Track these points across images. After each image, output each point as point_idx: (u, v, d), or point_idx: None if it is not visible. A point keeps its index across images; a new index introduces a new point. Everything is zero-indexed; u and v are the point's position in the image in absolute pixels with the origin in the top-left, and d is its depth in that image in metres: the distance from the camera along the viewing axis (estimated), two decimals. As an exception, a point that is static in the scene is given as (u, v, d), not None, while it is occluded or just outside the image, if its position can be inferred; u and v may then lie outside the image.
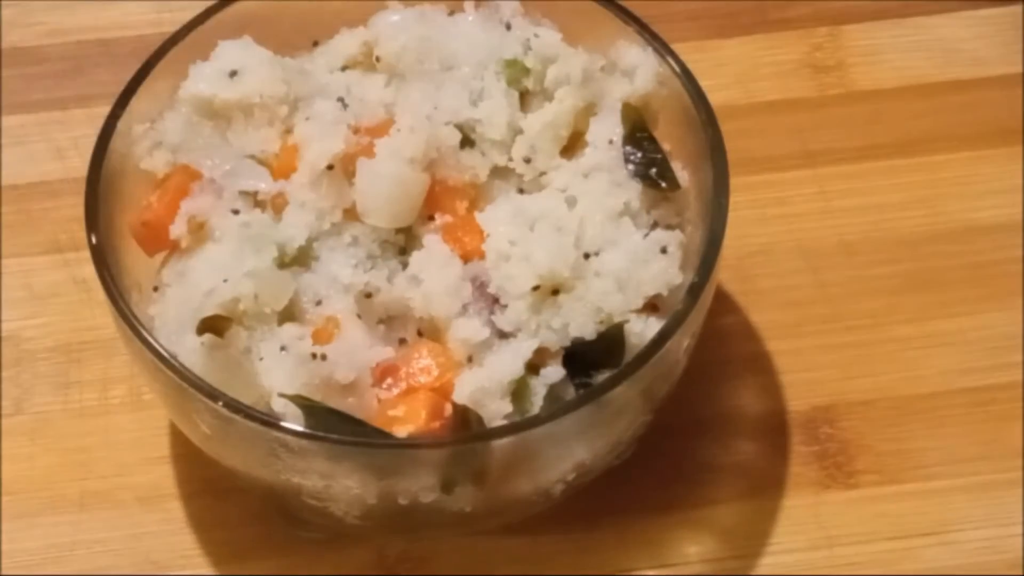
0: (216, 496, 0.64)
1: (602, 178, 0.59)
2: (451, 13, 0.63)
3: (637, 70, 0.61)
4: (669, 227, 0.60)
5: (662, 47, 0.61)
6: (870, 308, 0.70)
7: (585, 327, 0.57)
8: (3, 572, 0.63)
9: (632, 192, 0.59)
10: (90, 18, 0.78)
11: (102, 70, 0.75)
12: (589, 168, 0.60)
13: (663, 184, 0.60)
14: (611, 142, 0.60)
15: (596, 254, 0.58)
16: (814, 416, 0.67)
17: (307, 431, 0.54)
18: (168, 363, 0.54)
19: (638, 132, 0.61)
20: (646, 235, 0.59)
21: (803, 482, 0.65)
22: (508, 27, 0.62)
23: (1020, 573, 0.63)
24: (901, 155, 0.74)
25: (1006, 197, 0.73)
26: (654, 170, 0.60)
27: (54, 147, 0.74)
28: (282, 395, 0.54)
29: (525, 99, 0.62)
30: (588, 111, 0.61)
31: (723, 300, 0.69)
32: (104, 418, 0.67)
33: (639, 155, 0.60)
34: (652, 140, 0.61)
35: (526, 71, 0.61)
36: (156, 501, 0.65)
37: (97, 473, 0.66)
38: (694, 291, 0.56)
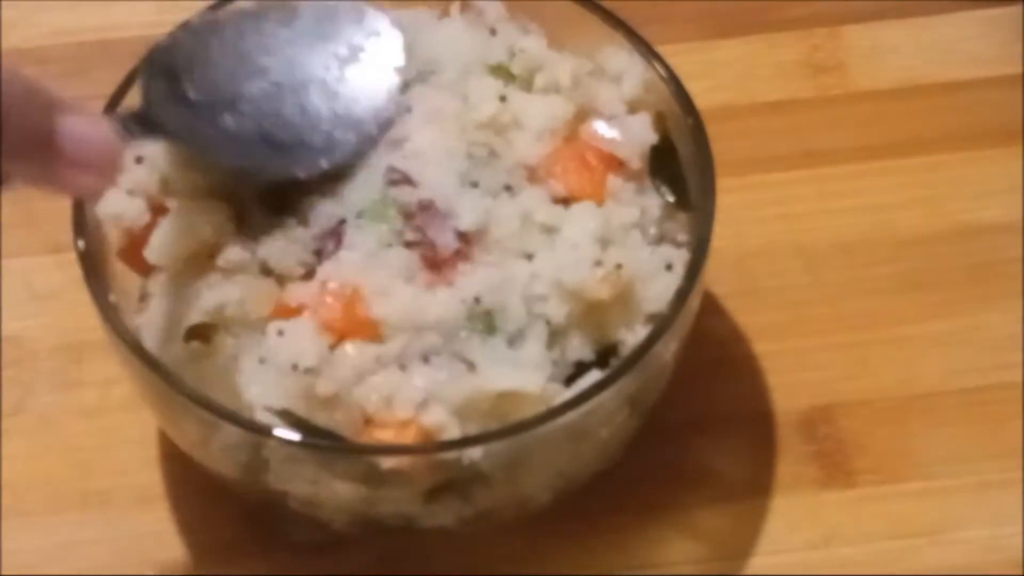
0: (217, 497, 0.64)
1: (626, 188, 0.59)
2: (440, 17, 0.63)
3: (624, 75, 0.61)
4: (675, 244, 0.59)
5: (648, 51, 0.61)
6: (870, 308, 0.70)
7: (583, 349, 0.57)
8: (3, 572, 0.63)
9: (650, 203, 0.59)
10: (90, 18, 0.78)
11: (102, 70, 0.75)
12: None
13: (674, 200, 0.59)
14: None
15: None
16: (813, 416, 0.67)
17: (293, 437, 0.53)
18: (156, 368, 0.54)
19: (664, 144, 0.60)
20: (652, 250, 0.58)
21: (802, 482, 0.65)
22: (493, 32, 0.62)
23: (1020, 573, 0.63)
24: (901, 155, 0.74)
25: (1006, 197, 0.73)
26: (671, 185, 0.60)
27: (54, 147, 0.74)
28: (268, 409, 0.54)
29: None
30: (580, 117, 0.60)
31: (722, 300, 0.69)
32: (104, 418, 0.67)
33: (660, 168, 0.60)
34: (674, 152, 0.60)
35: (512, 77, 0.61)
36: (156, 501, 0.65)
37: (97, 473, 0.66)
38: (681, 296, 0.56)
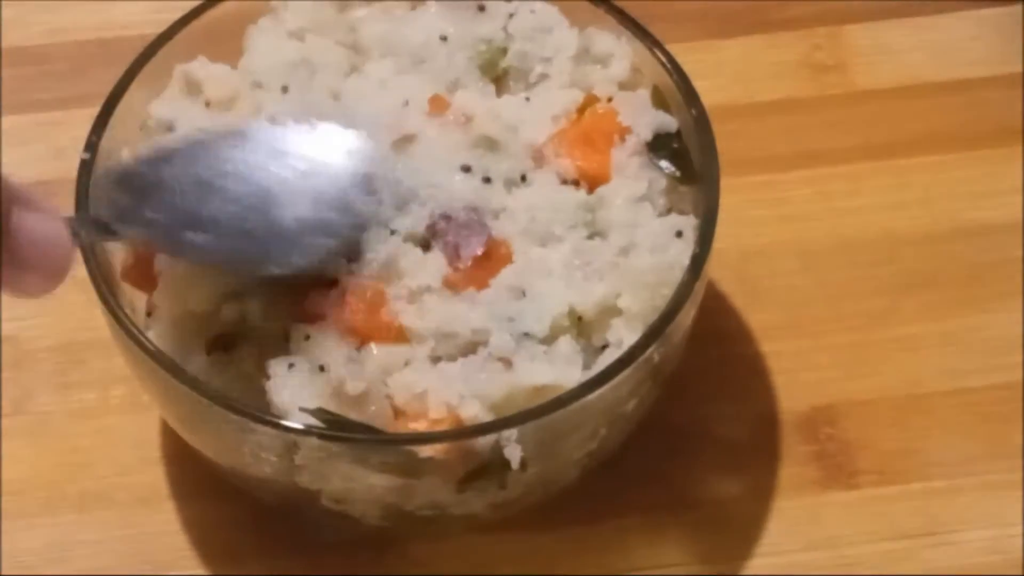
0: (216, 497, 0.64)
1: (631, 162, 0.59)
2: (413, 7, 0.63)
3: (613, 54, 0.61)
4: (682, 213, 0.59)
5: (635, 27, 0.61)
6: (870, 308, 0.70)
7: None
8: (3, 572, 0.63)
9: (656, 175, 0.59)
10: (90, 18, 0.78)
11: (102, 70, 0.74)
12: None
13: (679, 173, 0.59)
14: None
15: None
16: (814, 416, 0.67)
17: (335, 434, 0.53)
18: (188, 381, 0.54)
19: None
20: (662, 221, 0.58)
21: (803, 482, 0.65)
22: (481, 8, 0.62)
23: (1020, 573, 0.63)
24: (901, 155, 0.74)
25: (1006, 197, 0.73)
26: (672, 159, 0.60)
27: (54, 147, 0.74)
28: (303, 409, 0.54)
29: (501, 83, 0.62)
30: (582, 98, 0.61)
31: (723, 300, 0.69)
32: (104, 418, 0.67)
33: (661, 144, 0.60)
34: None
35: (502, 52, 0.61)
36: (156, 501, 0.65)
37: (97, 473, 0.66)
38: (697, 262, 0.56)
